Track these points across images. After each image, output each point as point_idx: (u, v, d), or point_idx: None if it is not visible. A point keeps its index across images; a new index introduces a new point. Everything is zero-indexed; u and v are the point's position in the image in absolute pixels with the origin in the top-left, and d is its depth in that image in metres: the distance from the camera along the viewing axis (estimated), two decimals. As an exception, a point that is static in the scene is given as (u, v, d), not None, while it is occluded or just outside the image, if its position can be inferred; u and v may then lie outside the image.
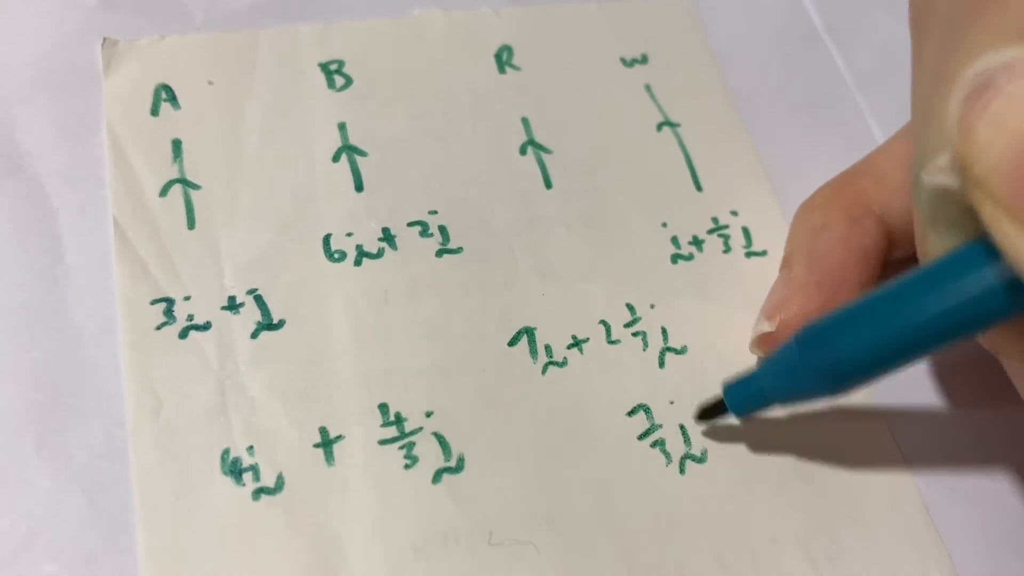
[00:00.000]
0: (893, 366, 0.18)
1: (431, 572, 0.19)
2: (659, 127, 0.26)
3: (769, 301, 0.22)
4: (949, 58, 0.16)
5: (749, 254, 0.24)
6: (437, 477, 0.20)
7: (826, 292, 0.21)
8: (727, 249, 0.24)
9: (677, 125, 0.26)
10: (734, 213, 0.25)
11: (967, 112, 0.14)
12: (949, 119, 0.15)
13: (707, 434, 0.21)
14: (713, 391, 0.21)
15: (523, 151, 0.25)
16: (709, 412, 0.21)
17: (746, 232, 0.25)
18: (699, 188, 0.25)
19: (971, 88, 0.14)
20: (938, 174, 0.16)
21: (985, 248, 0.16)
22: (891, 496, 0.22)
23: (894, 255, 0.22)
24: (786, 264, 0.22)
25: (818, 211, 0.22)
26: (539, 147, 0.25)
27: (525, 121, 0.25)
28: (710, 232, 0.24)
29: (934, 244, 0.17)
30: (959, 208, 0.16)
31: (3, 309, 0.21)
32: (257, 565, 0.19)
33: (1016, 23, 0.15)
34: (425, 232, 0.23)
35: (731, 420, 0.21)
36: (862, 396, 0.23)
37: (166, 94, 0.23)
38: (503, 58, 0.26)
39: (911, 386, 0.23)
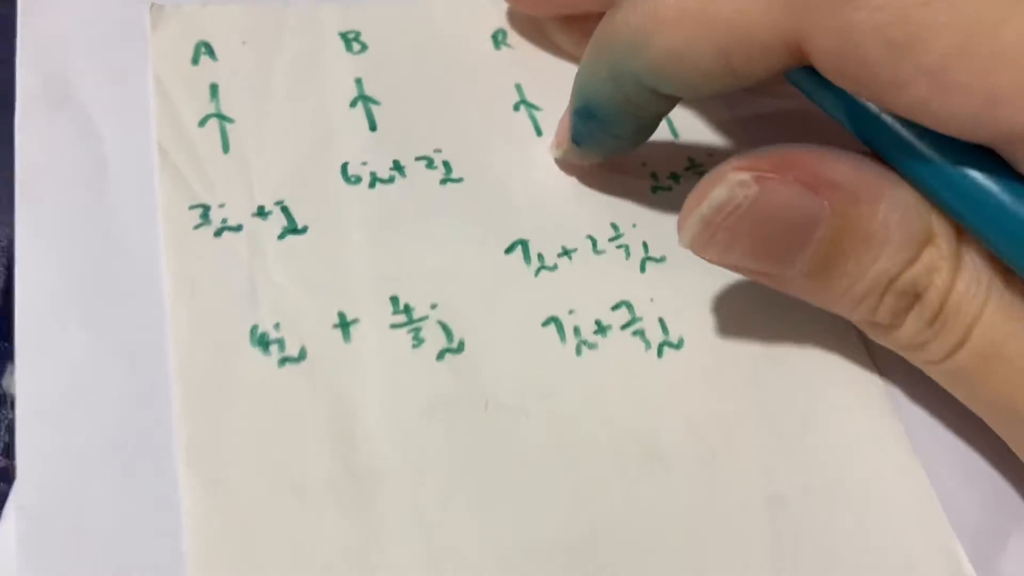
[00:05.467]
0: None
1: (435, 432, 0.21)
2: None
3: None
4: None
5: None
6: (441, 356, 0.22)
7: None
8: None
9: None
10: (710, 155, 0.28)
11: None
12: None
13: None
14: (690, 293, 0.24)
15: (516, 108, 0.28)
16: None
17: (719, 172, 0.28)
18: (676, 135, 0.28)
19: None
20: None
21: None
22: (856, 388, 0.24)
23: None
24: None
25: None
26: (531, 106, 0.28)
27: (518, 87, 0.29)
28: (687, 169, 0.28)
29: None
30: None
31: (53, 217, 0.23)
32: (282, 424, 0.21)
33: None
34: (431, 165, 0.26)
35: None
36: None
37: (205, 49, 0.27)
38: (498, 39, 0.30)
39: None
